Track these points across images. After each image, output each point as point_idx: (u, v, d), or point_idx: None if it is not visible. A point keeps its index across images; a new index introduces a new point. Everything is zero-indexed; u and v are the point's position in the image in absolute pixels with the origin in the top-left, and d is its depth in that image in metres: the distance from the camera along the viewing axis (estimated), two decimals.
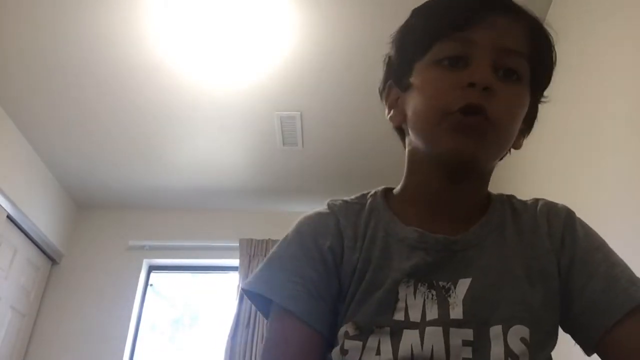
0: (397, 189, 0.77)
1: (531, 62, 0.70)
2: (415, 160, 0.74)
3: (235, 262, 3.88)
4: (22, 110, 3.18)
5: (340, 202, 0.76)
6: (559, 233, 0.70)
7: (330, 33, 2.63)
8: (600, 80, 1.95)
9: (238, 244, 3.90)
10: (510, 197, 0.77)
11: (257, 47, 2.74)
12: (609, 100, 1.87)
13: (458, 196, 0.72)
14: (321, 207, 0.76)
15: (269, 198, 4.01)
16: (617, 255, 0.70)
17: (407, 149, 0.76)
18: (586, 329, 0.66)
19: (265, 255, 3.83)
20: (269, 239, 3.88)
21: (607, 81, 1.89)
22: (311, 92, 3.01)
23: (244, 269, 3.80)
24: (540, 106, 0.79)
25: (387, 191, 0.78)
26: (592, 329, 0.65)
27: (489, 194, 0.77)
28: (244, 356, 3.53)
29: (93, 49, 2.77)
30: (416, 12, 0.74)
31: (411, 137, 0.73)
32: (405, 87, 0.73)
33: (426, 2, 0.74)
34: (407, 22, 0.75)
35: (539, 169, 2.52)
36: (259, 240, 3.89)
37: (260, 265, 0.73)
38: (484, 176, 0.74)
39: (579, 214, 0.77)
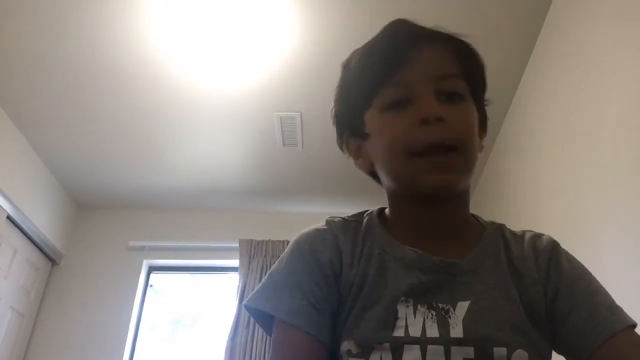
0: (388, 211, 0.80)
1: (466, 77, 0.74)
2: (393, 197, 0.78)
3: (235, 262, 3.88)
4: (22, 110, 3.18)
5: (338, 219, 0.79)
6: (544, 265, 0.74)
7: (331, 33, 2.63)
8: (600, 80, 1.95)
9: (238, 245, 3.90)
10: (502, 227, 0.81)
11: (257, 47, 2.74)
12: (609, 101, 1.87)
13: (442, 219, 0.76)
14: (320, 224, 0.78)
15: (269, 198, 4.01)
16: (598, 283, 0.74)
17: (385, 188, 0.79)
18: (573, 354, 0.70)
19: (264, 256, 3.85)
20: (269, 239, 3.88)
21: (607, 81, 1.89)
22: (311, 92, 3.01)
23: (244, 270, 3.80)
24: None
25: (381, 211, 0.81)
26: (577, 353, 0.69)
27: (480, 221, 0.80)
28: (244, 356, 3.53)
29: (93, 49, 2.77)
30: (348, 67, 0.79)
31: (384, 179, 0.77)
32: (363, 137, 0.77)
33: (354, 54, 0.79)
34: (342, 78, 0.81)
35: (539, 169, 2.52)
36: (258, 241, 3.89)
37: (262, 281, 0.74)
38: (463, 198, 0.77)
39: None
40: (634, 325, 0.69)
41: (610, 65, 1.88)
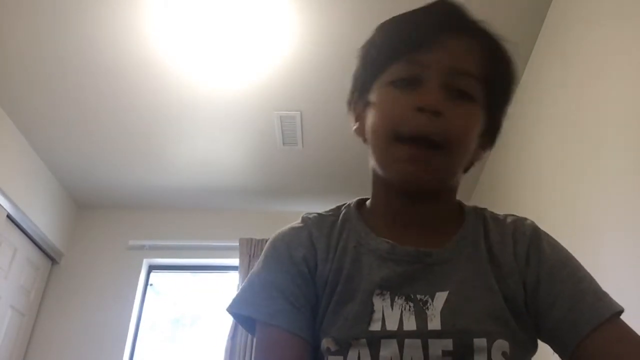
0: (369, 201, 0.79)
1: (487, 81, 0.71)
2: (375, 180, 0.77)
3: (235, 261, 3.88)
4: (22, 110, 3.18)
5: (314, 215, 0.78)
6: (523, 252, 0.71)
7: (331, 33, 2.63)
8: (600, 80, 1.95)
9: (238, 244, 3.90)
10: (484, 211, 0.78)
11: (257, 47, 2.74)
12: (609, 100, 1.87)
13: (422, 213, 0.74)
14: (295, 222, 0.78)
15: (269, 198, 4.02)
16: (583, 269, 0.71)
17: (370, 166, 0.78)
18: (559, 343, 0.67)
19: None
20: (269, 238, 3.87)
21: (607, 81, 1.89)
22: (311, 92, 3.01)
23: (244, 269, 3.81)
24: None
25: (361, 202, 0.80)
26: (564, 343, 0.67)
27: (462, 206, 0.78)
28: (244, 356, 3.54)
29: (93, 49, 2.77)
30: (379, 29, 0.76)
31: (370, 156, 0.76)
32: (365, 104, 0.75)
33: (390, 19, 0.76)
34: (371, 37, 0.77)
35: (539, 169, 2.52)
36: (258, 240, 3.90)
37: (241, 286, 0.74)
38: (445, 195, 0.75)
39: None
40: (621, 312, 0.66)
41: (610, 65, 1.88)
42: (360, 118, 0.77)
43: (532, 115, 2.62)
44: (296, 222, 0.78)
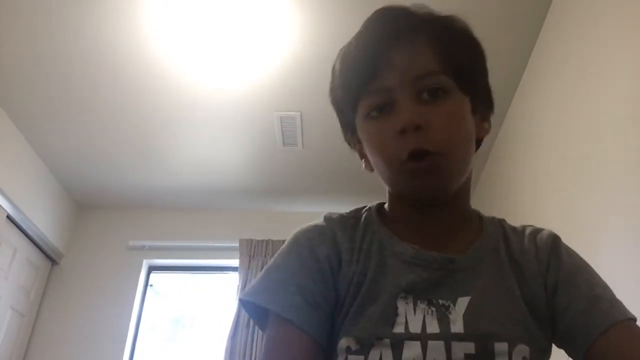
0: (386, 206, 0.81)
1: (454, 67, 0.71)
2: (390, 193, 0.79)
3: (235, 262, 3.88)
4: (22, 110, 3.18)
5: (336, 215, 0.78)
6: (544, 258, 0.73)
7: (331, 33, 2.63)
8: (600, 80, 1.95)
9: (238, 244, 3.90)
10: (502, 222, 0.80)
11: (257, 47, 2.74)
12: (608, 100, 1.87)
13: (439, 219, 0.76)
14: (318, 220, 0.78)
15: (269, 198, 4.01)
16: (599, 277, 0.73)
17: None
18: (572, 346, 0.69)
19: (265, 256, 3.84)
20: (269, 239, 3.88)
21: (607, 81, 1.89)
22: (311, 92, 3.01)
23: (244, 269, 3.81)
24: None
25: (380, 206, 0.81)
26: (576, 346, 0.68)
27: (480, 216, 0.80)
28: (244, 356, 3.53)
29: (93, 49, 2.77)
30: (334, 71, 0.79)
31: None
32: (358, 141, 0.78)
33: (339, 54, 0.79)
34: (331, 82, 0.80)
35: (538, 169, 2.52)
36: (259, 241, 3.89)
37: (257, 276, 0.74)
38: (459, 196, 0.76)
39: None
40: (634, 319, 0.68)
41: (610, 65, 1.88)
42: (362, 154, 0.80)
43: (532, 115, 2.62)
44: (318, 220, 0.77)
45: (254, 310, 0.72)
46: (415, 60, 0.71)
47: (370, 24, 0.76)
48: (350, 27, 0.80)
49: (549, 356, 0.71)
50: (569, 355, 0.71)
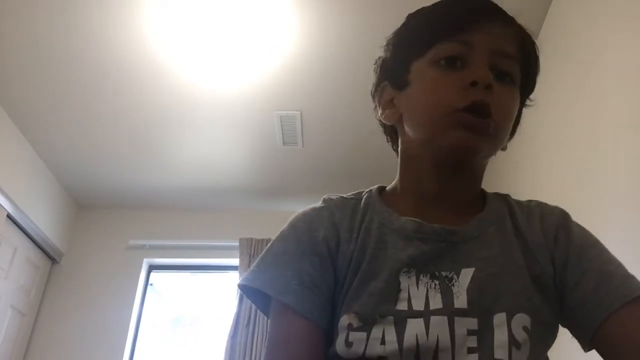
0: (391, 185, 0.80)
1: (522, 67, 0.73)
2: (409, 156, 0.77)
3: (235, 261, 3.88)
4: (22, 110, 3.18)
5: (336, 197, 0.78)
6: (552, 231, 0.72)
7: (331, 33, 2.63)
8: (600, 79, 1.95)
9: (238, 244, 3.90)
10: (506, 196, 0.80)
11: (257, 47, 2.74)
12: (608, 100, 1.87)
13: (452, 191, 0.74)
14: (316, 203, 0.78)
15: (269, 198, 4.01)
16: (610, 253, 0.71)
17: (400, 147, 0.78)
18: (581, 324, 0.67)
19: None
20: (269, 238, 3.86)
21: (607, 81, 1.89)
22: (311, 91, 3.01)
23: (244, 269, 3.80)
24: (525, 110, 0.83)
25: (382, 189, 0.80)
26: (585, 324, 0.66)
27: (484, 192, 0.79)
28: (244, 356, 3.53)
29: (93, 49, 2.77)
30: (414, 16, 0.77)
31: (408, 134, 0.75)
32: (403, 86, 0.75)
33: (423, 7, 0.77)
34: (404, 24, 0.78)
35: (538, 169, 2.52)
36: (258, 240, 3.90)
37: (255, 261, 0.74)
38: (478, 173, 0.76)
39: (579, 214, 0.78)
40: None
41: (610, 65, 1.88)
42: (389, 105, 0.78)
43: (531, 115, 2.62)
44: (317, 202, 0.77)
45: (254, 295, 0.72)
46: (505, 38, 0.72)
47: None
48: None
49: (554, 333, 0.69)
50: (575, 335, 0.68)
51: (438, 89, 0.70)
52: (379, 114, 0.80)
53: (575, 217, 0.78)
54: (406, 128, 0.75)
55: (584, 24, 2.11)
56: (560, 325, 0.70)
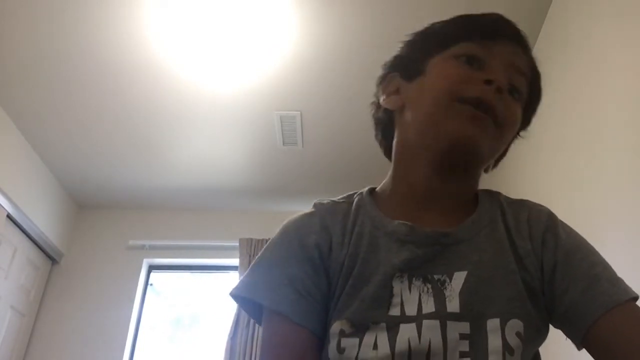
0: (382, 186, 0.79)
1: (529, 90, 0.77)
2: (405, 151, 0.77)
3: (235, 261, 3.88)
4: (22, 110, 3.18)
5: (327, 201, 0.78)
6: (539, 235, 0.72)
7: (331, 33, 2.63)
8: (600, 80, 1.95)
9: (238, 244, 3.90)
10: (498, 195, 0.79)
11: (257, 47, 2.74)
12: (609, 100, 1.87)
13: (445, 192, 0.74)
14: (308, 209, 0.77)
15: (269, 198, 4.01)
16: (598, 255, 0.71)
17: (395, 140, 0.78)
18: (571, 327, 0.67)
19: None
20: (269, 238, 3.79)
21: (607, 81, 1.89)
22: (311, 92, 3.01)
23: (244, 269, 3.80)
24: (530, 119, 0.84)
25: (372, 190, 0.80)
26: (576, 327, 0.66)
27: (476, 191, 0.79)
28: (244, 356, 3.53)
29: (93, 49, 2.77)
30: (440, 21, 0.80)
31: (407, 125, 0.76)
32: (415, 76, 0.76)
33: (451, 17, 0.80)
34: (428, 27, 0.80)
35: (538, 170, 2.52)
36: (258, 240, 3.89)
37: (247, 271, 0.73)
38: (473, 176, 0.77)
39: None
40: (636, 298, 0.66)
41: (611, 65, 1.88)
42: (393, 93, 0.79)
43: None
44: (308, 208, 0.77)
45: (246, 304, 0.71)
46: (523, 60, 0.76)
47: (487, 13, 0.79)
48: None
49: (545, 334, 0.70)
50: (568, 335, 0.69)
51: (452, 75, 0.72)
52: (382, 99, 0.80)
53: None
54: (407, 116, 0.76)
55: (584, 24, 2.11)
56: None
